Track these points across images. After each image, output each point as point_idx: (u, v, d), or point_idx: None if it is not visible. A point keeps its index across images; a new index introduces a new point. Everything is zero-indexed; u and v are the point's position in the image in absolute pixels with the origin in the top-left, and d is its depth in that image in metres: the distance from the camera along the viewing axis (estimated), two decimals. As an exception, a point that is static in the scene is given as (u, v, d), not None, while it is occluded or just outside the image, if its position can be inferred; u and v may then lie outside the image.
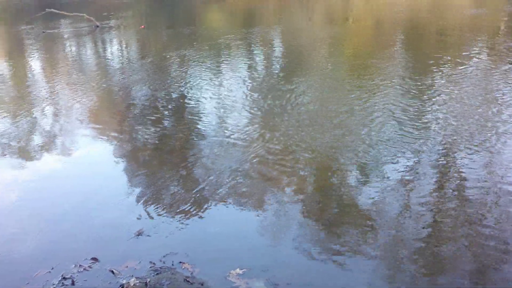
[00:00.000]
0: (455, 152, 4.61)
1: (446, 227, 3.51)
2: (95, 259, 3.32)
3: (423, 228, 3.50)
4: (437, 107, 5.78)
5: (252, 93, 6.78)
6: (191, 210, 3.90)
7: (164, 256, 3.32)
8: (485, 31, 10.69)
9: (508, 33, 10.55)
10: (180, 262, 3.25)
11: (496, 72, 7.15)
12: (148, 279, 3.10)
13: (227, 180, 4.32)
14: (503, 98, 5.95)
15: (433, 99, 6.06)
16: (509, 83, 6.52)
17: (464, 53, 8.42)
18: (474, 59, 7.96)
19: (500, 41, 9.46)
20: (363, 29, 12.81)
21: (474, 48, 8.79)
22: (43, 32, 13.18)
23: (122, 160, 5.08)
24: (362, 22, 14.26)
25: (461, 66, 7.54)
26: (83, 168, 4.94)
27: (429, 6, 15.80)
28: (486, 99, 5.99)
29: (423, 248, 3.28)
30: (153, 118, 6.12)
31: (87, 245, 3.51)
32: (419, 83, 6.78)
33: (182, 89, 7.29)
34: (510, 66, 7.40)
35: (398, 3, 16.46)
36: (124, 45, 12.15)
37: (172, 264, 3.24)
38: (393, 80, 6.95)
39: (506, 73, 7.01)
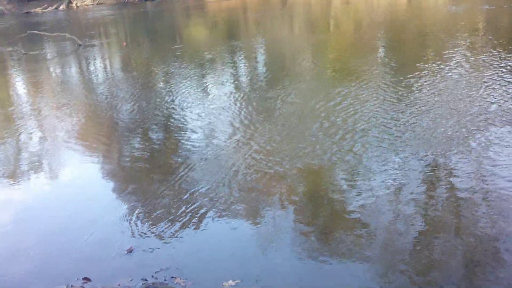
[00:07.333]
0: (443, 153, 4.66)
1: (438, 228, 3.54)
2: (87, 279, 3.31)
3: (415, 230, 3.53)
4: (422, 108, 5.86)
5: (238, 104, 6.81)
6: (181, 224, 3.91)
7: (156, 272, 3.32)
8: (463, 30, 10.87)
9: (486, 31, 10.74)
10: (172, 277, 3.25)
11: (477, 71, 7.28)
12: (141, 296, 3.09)
13: (216, 192, 4.34)
14: (485, 97, 6.05)
15: (417, 101, 6.15)
16: (491, 82, 6.63)
17: (444, 54, 8.55)
18: (454, 59, 8.09)
19: (478, 39, 9.62)
20: (344, 34, 12.94)
21: (454, 48, 8.93)
22: (24, 53, 13.12)
23: (111, 178, 5.06)
24: (343, 27, 14.42)
25: (442, 67, 7.66)
26: (72, 187, 4.92)
27: (408, 7, 16.04)
28: (469, 99, 6.08)
29: (415, 252, 3.31)
30: (140, 135, 6.13)
31: (78, 264, 3.50)
32: (403, 86, 6.85)
33: (168, 104, 7.30)
34: (489, 65, 7.53)
35: (376, 6, 16.69)
36: (108, 63, 12.15)
37: (165, 280, 3.24)
38: (376, 83, 7.03)
39: (487, 72, 7.13)
